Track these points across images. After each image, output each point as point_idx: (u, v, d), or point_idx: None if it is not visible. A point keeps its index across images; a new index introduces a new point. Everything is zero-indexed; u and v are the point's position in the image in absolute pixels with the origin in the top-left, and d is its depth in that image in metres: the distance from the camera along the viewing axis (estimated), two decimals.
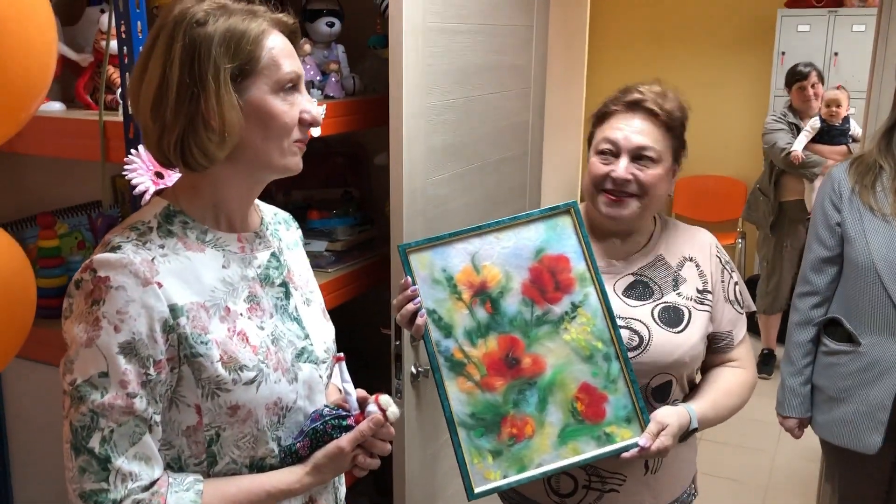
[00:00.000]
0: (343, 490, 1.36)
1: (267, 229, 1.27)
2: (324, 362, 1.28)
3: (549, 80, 2.63)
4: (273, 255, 1.25)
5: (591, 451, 1.43)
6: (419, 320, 1.41)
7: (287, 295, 1.25)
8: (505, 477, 1.41)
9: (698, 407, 1.52)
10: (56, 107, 1.69)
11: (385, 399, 1.25)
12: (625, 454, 1.42)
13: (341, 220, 2.23)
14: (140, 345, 1.05)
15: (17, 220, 1.80)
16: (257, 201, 1.28)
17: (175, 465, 1.13)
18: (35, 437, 1.85)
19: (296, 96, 1.15)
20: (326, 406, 1.25)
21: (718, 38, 5.54)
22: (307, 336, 1.25)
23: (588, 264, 1.47)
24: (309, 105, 1.17)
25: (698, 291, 1.57)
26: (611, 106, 1.56)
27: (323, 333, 1.30)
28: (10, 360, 1.41)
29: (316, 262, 2.09)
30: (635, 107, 1.53)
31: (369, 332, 2.25)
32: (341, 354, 1.28)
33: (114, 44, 1.60)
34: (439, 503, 2.20)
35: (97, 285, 1.05)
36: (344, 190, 2.41)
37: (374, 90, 2.16)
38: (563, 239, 1.48)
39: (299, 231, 1.39)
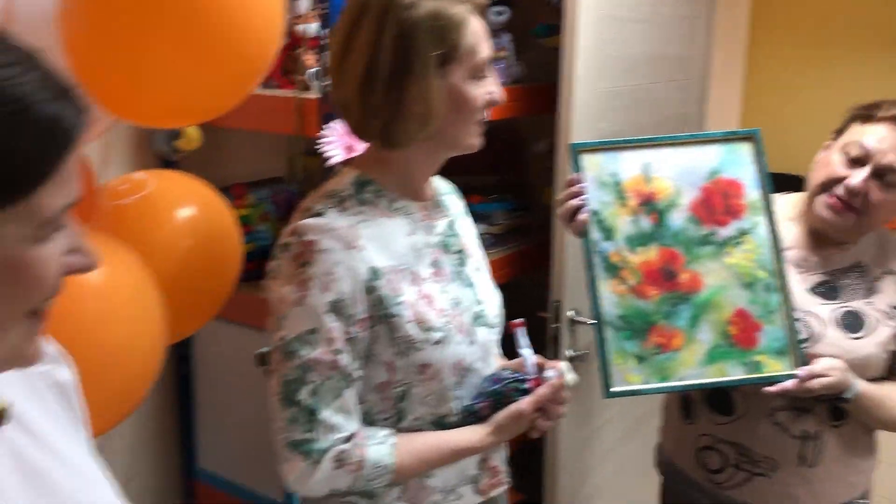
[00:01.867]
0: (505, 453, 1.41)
1: (443, 199, 1.33)
2: (495, 327, 1.32)
3: (713, 73, 2.59)
4: (450, 223, 1.31)
5: (737, 375, 1.42)
6: (581, 216, 1.41)
7: (463, 262, 1.30)
8: (646, 383, 1.42)
9: (864, 386, 1.44)
10: None
11: (564, 365, 1.28)
12: (771, 387, 1.40)
13: (499, 205, 2.28)
14: (345, 304, 1.12)
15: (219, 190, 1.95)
16: None
17: (365, 420, 1.19)
18: (220, 394, 1.99)
19: (485, 79, 1.20)
20: (506, 370, 1.30)
21: None
22: (481, 301, 1.30)
23: (763, 194, 1.46)
24: (494, 86, 1.21)
25: (893, 307, 1.50)
26: (879, 113, 1.46)
27: (493, 300, 1.35)
28: (211, 317, 1.53)
29: None
30: None
31: (525, 317, 2.27)
32: (522, 320, 1.33)
33: (309, 26, 1.71)
34: (587, 488, 2.22)
35: (305, 248, 1.12)
36: (500, 176, 2.46)
37: (537, 80, 2.20)
38: (740, 165, 1.47)
39: (462, 201, 1.44)
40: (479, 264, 1.36)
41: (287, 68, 1.86)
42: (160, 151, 1.84)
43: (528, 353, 1.29)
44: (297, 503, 1.87)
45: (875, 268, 1.53)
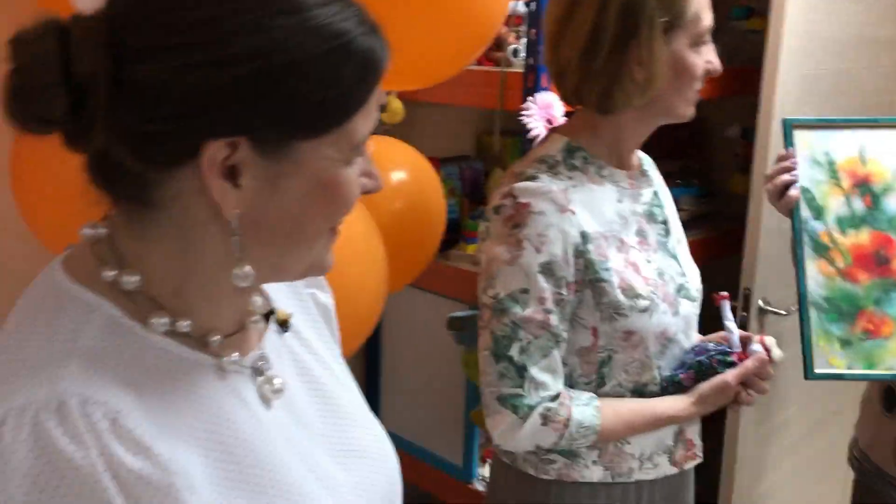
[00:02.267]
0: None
1: (647, 169, 1.33)
2: (696, 300, 1.31)
3: None
4: (655, 193, 1.31)
5: None
6: (792, 192, 1.38)
7: (667, 232, 1.29)
8: (850, 368, 1.37)
9: None
10: None
11: (770, 340, 1.26)
12: None
13: (684, 190, 2.25)
14: (556, 266, 1.14)
15: None
16: None
17: (566, 382, 1.21)
18: (405, 359, 2.08)
19: (705, 47, 1.19)
20: (710, 342, 1.29)
21: None
22: (684, 273, 1.29)
23: None
24: (713, 55, 1.20)
25: None
26: None
27: (694, 272, 1.33)
28: (412, 279, 1.60)
29: None
30: None
31: (712, 305, 2.23)
32: (727, 293, 1.31)
33: (514, 4, 1.76)
34: (765, 484, 2.14)
35: (518, 210, 1.15)
36: (684, 162, 2.42)
37: (730, 62, 2.14)
38: None
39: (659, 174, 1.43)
40: (679, 236, 1.35)
41: (493, 45, 1.92)
42: None
43: (733, 326, 1.28)
44: (477, 467, 1.95)
45: None
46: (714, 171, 2.41)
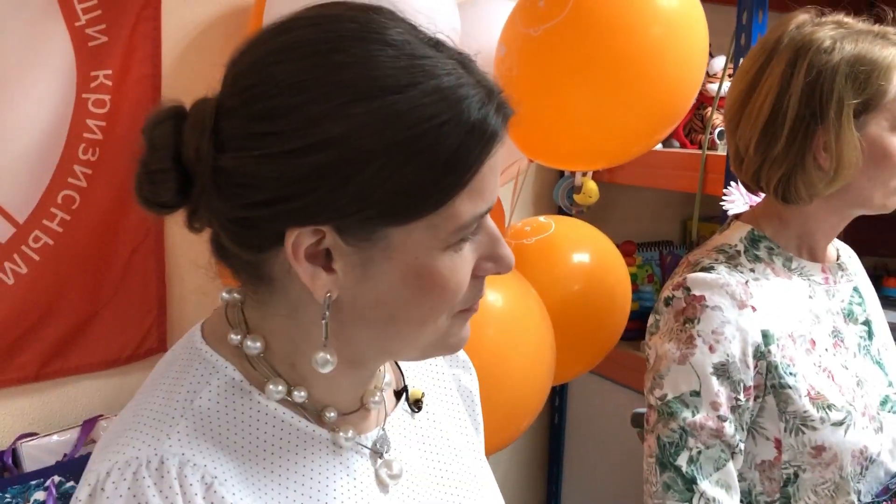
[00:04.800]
0: None
1: (846, 263, 1.19)
2: None
3: None
4: (855, 289, 1.16)
5: None
6: None
7: (870, 335, 1.14)
8: None
9: None
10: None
11: None
12: None
13: None
14: (733, 367, 1.03)
15: None
16: None
17: (744, 500, 1.08)
18: (589, 449, 1.99)
19: None
20: None
21: None
22: (891, 384, 1.12)
23: None
24: None
25: None
26: None
27: None
28: (592, 365, 1.53)
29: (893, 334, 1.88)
30: None
31: None
32: None
33: (725, 86, 1.68)
34: None
35: (691, 303, 1.06)
36: None
37: None
38: None
39: (861, 266, 1.27)
40: (887, 340, 1.18)
41: (692, 127, 1.84)
42: (560, 204, 1.93)
43: None
44: None
45: None
46: None
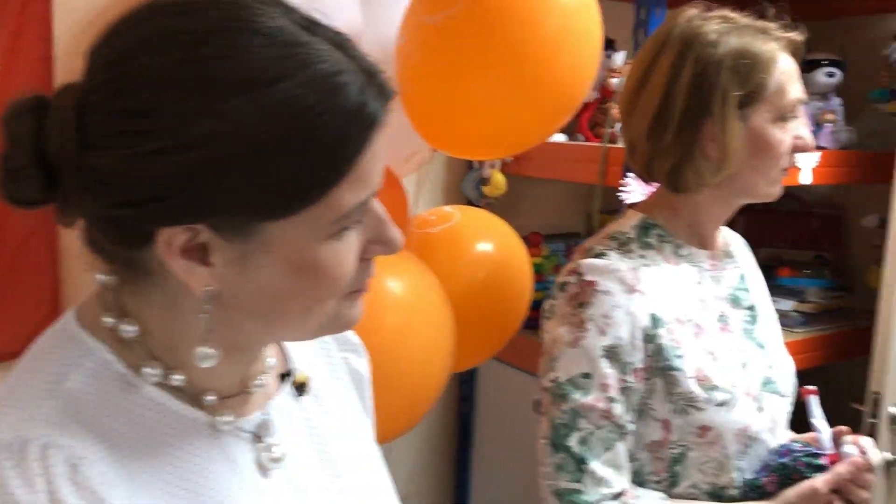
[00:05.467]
0: None
1: (733, 250, 1.24)
2: (786, 396, 1.18)
3: None
4: (742, 276, 1.21)
5: None
6: None
7: (754, 319, 1.19)
8: None
9: None
10: (560, 137, 1.86)
11: (866, 440, 1.11)
12: None
13: (813, 282, 2.07)
14: (622, 350, 1.06)
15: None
16: None
17: (634, 479, 1.11)
18: (497, 435, 2.02)
19: (793, 122, 1.11)
20: (796, 442, 1.15)
21: None
22: (772, 366, 1.17)
23: None
24: (804, 130, 1.12)
25: None
26: None
27: (786, 366, 1.21)
28: (494, 352, 1.55)
29: (782, 321, 1.96)
30: None
31: (835, 408, 2.03)
32: (814, 388, 1.17)
33: (621, 80, 1.72)
34: None
35: (583, 289, 1.08)
36: (816, 254, 2.24)
37: (867, 147, 1.99)
38: None
39: (752, 256, 1.32)
40: (771, 324, 1.23)
41: (595, 121, 1.88)
42: (468, 196, 1.94)
43: (822, 425, 1.13)
44: None
45: None
46: (850, 263, 2.21)
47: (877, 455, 1.10)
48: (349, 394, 0.82)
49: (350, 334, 0.84)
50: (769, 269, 2.12)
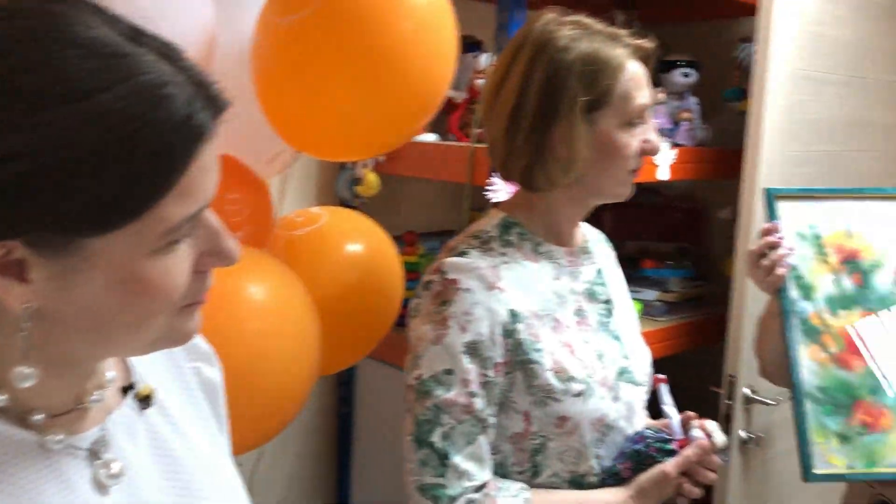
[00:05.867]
0: None
1: (591, 246, 1.28)
2: (642, 385, 1.24)
3: None
4: (598, 271, 1.26)
5: None
6: (779, 270, 1.29)
7: (610, 313, 1.24)
8: (850, 468, 1.26)
9: None
10: (431, 137, 1.88)
11: (711, 424, 1.18)
12: None
13: (675, 272, 2.18)
14: (482, 346, 1.08)
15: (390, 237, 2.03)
16: None
17: (498, 471, 1.14)
18: (377, 431, 2.02)
19: (641, 127, 1.15)
20: (648, 429, 1.21)
21: None
22: (627, 356, 1.22)
23: None
24: (651, 134, 1.16)
25: None
26: None
27: (642, 356, 1.27)
28: (367, 352, 1.55)
29: (646, 310, 2.07)
30: None
31: (696, 391, 2.14)
32: (664, 376, 1.24)
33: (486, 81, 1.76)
34: None
35: (446, 287, 1.11)
36: (678, 245, 2.36)
37: (723, 144, 2.11)
38: None
39: (613, 253, 1.38)
40: (627, 317, 1.29)
41: (465, 121, 1.91)
42: (342, 196, 1.94)
43: (672, 412, 1.20)
44: None
45: None
46: (709, 254, 2.34)
47: (721, 437, 1.17)
48: (200, 404, 0.80)
49: (200, 342, 0.82)
50: (635, 262, 2.23)
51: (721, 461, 1.17)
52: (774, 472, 1.92)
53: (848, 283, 1.31)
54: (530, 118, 1.11)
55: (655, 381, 1.24)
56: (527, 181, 1.16)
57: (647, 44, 1.16)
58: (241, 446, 1.21)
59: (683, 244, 2.36)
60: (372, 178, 1.85)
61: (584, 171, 1.13)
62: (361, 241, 1.45)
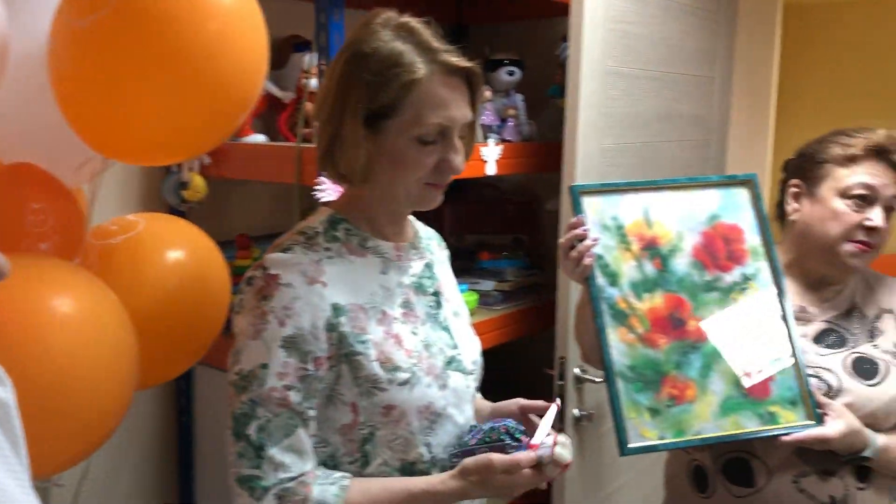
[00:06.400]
0: None
1: (421, 242, 1.32)
2: (471, 373, 1.28)
3: (732, 136, 2.57)
4: (427, 265, 1.29)
5: (753, 427, 1.36)
6: (586, 260, 1.36)
7: (438, 304, 1.27)
8: (661, 438, 1.35)
9: (884, 440, 1.39)
10: (260, 138, 1.86)
11: (562, 440, 1.16)
12: (787, 437, 1.35)
13: (510, 262, 2.27)
14: (302, 340, 1.10)
15: (223, 241, 1.98)
16: (410, 217, 1.32)
17: (330, 463, 1.16)
18: (218, 439, 1.97)
19: (438, 146, 1.15)
20: (499, 421, 1.21)
21: None
22: (456, 346, 1.26)
23: (763, 239, 1.45)
24: (453, 156, 1.16)
25: None
26: (854, 151, 1.45)
27: (471, 346, 1.31)
28: (195, 361, 1.52)
29: (484, 300, 2.13)
30: (881, 155, 1.45)
31: (531, 375, 2.24)
32: (558, 402, 1.24)
33: (314, 81, 1.76)
34: None
35: (267, 282, 1.11)
36: (514, 236, 2.45)
37: (550, 139, 2.21)
38: (738, 210, 1.46)
39: (447, 252, 1.42)
40: (457, 309, 1.33)
41: (294, 121, 1.90)
42: (170, 201, 1.88)
43: (545, 424, 1.18)
44: None
45: (869, 309, 1.51)
46: (542, 244, 2.45)
47: (565, 453, 1.15)
48: None
49: None
50: (474, 254, 2.30)
51: (554, 475, 1.15)
52: (607, 446, 2.03)
53: (650, 268, 1.41)
54: (327, 111, 1.15)
55: (553, 401, 1.24)
56: (337, 179, 1.19)
57: (461, 62, 1.13)
58: (55, 466, 1.16)
59: (519, 235, 2.45)
60: (199, 182, 1.81)
61: (377, 177, 1.16)
62: (182, 247, 1.42)
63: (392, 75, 1.11)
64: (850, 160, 1.45)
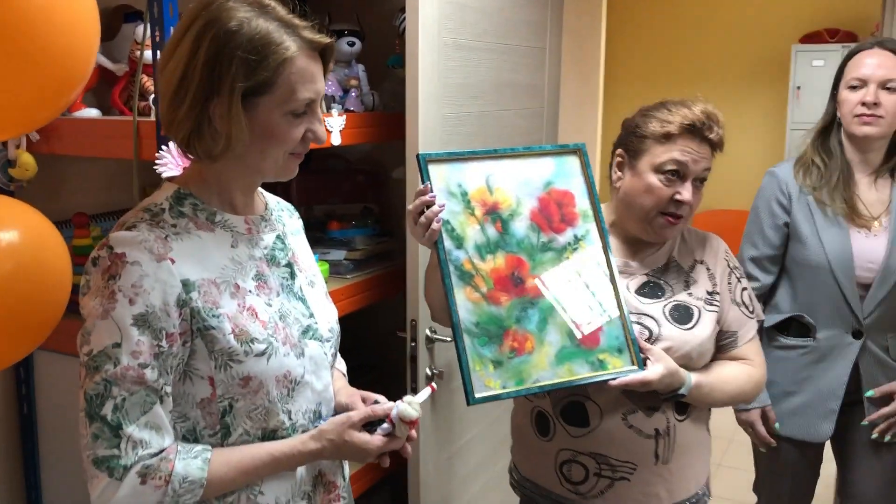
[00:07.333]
0: (348, 468, 1.40)
1: (272, 214, 1.34)
2: (328, 340, 1.33)
3: (564, 103, 2.72)
4: (278, 237, 1.31)
5: (584, 374, 1.50)
6: (434, 225, 1.43)
7: (292, 275, 1.30)
8: (504, 388, 1.46)
9: (697, 377, 1.56)
10: (93, 112, 1.79)
11: (407, 398, 1.29)
12: (614, 381, 1.48)
13: (360, 231, 2.31)
14: (153, 317, 1.10)
15: (59, 221, 1.90)
16: (260, 189, 1.34)
17: (191, 437, 1.17)
18: (63, 426, 1.91)
19: (306, 117, 1.19)
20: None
21: (734, 73, 5.64)
22: (312, 315, 1.30)
23: (591, 203, 1.58)
24: (317, 126, 1.20)
25: (708, 293, 1.63)
26: (672, 129, 1.55)
27: (327, 314, 1.35)
28: (36, 345, 1.47)
29: (335, 269, 2.17)
30: (696, 132, 1.55)
31: (385, 338, 2.31)
32: (434, 386, 1.36)
33: (147, 53, 1.71)
34: None
35: (114, 261, 1.10)
36: (364, 205, 2.49)
37: (392, 108, 2.25)
38: (569, 176, 1.59)
39: (300, 221, 1.45)
40: (312, 279, 1.36)
41: (129, 94, 1.85)
42: None
43: (408, 400, 1.29)
44: None
45: (685, 261, 1.67)
46: (391, 212, 2.51)
47: (410, 410, 1.27)
48: None
49: None
50: (323, 225, 2.32)
51: (405, 434, 1.27)
52: (458, 401, 2.14)
53: (492, 232, 1.50)
54: (192, 92, 1.13)
55: (428, 382, 1.33)
56: (189, 150, 1.18)
57: (323, 39, 1.18)
58: None
59: (368, 204, 2.49)
60: (27, 159, 1.72)
61: (243, 151, 1.17)
62: (14, 228, 1.36)
63: (267, 52, 1.12)
64: (667, 137, 1.56)
